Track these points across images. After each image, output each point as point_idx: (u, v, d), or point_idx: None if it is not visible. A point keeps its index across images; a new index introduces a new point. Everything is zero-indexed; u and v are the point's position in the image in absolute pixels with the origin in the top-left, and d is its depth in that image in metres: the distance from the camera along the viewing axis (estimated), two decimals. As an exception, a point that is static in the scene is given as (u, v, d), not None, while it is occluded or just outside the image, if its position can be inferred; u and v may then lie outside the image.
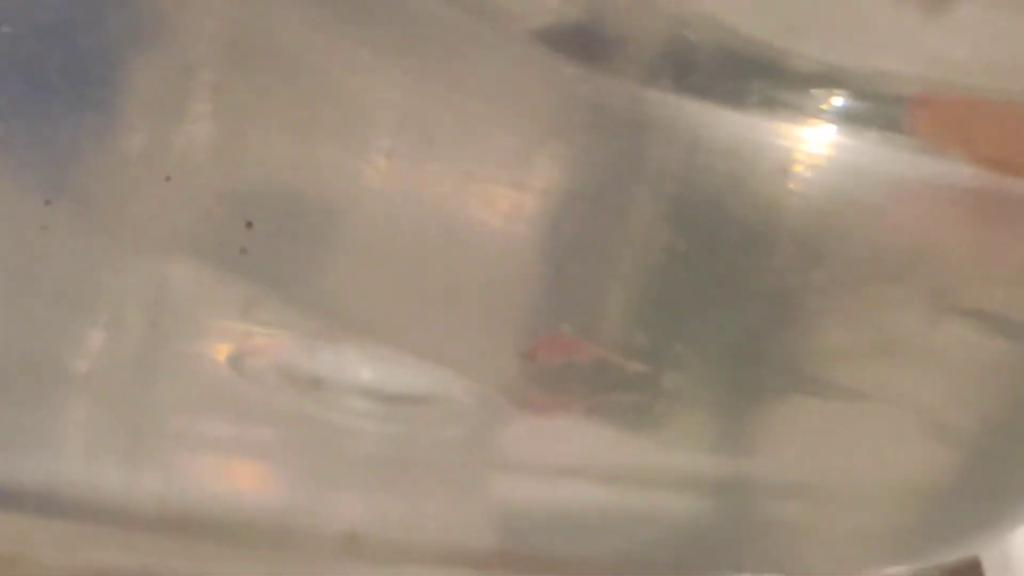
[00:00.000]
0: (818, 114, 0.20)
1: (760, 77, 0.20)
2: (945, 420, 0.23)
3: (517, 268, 0.21)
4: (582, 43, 0.20)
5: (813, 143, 0.20)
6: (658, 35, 0.20)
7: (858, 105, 0.20)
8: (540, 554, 0.24)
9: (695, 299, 0.21)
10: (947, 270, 0.21)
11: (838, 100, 0.20)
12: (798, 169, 0.20)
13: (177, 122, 0.19)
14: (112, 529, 0.22)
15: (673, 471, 0.23)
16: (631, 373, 0.21)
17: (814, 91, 0.20)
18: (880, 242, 0.21)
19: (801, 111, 0.20)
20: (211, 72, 0.19)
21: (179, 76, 0.19)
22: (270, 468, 0.23)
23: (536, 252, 0.21)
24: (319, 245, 0.20)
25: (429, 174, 0.20)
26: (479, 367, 0.21)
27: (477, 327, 0.21)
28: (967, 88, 0.21)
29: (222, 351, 0.21)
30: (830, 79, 0.20)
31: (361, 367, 0.21)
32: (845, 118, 0.20)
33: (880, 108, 0.20)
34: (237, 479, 0.23)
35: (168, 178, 0.19)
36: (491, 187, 0.20)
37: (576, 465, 0.22)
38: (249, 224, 0.20)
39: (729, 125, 0.20)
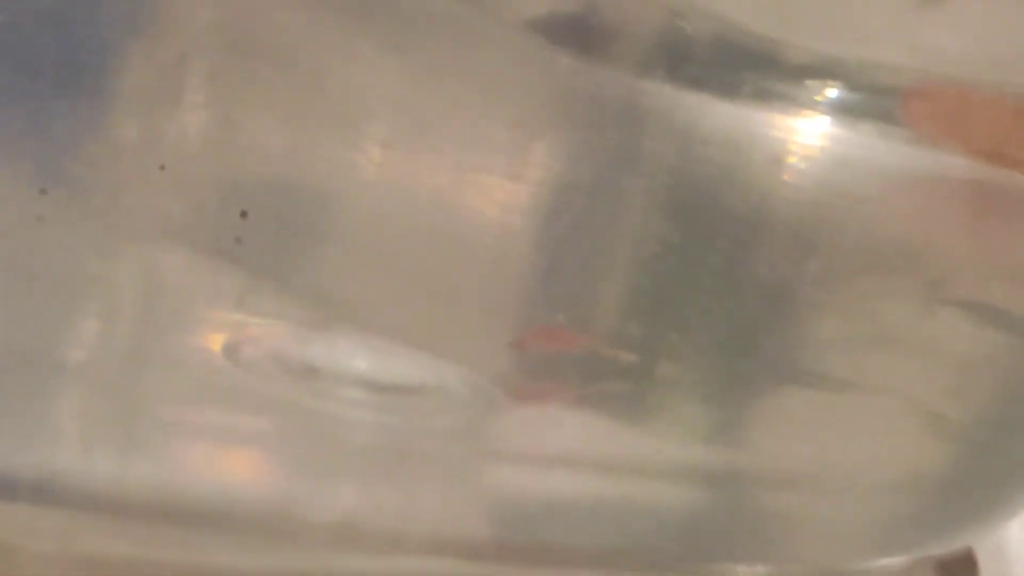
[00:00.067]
0: (813, 105, 0.20)
1: (755, 68, 0.20)
2: (939, 412, 0.23)
3: (512, 258, 0.21)
4: (577, 34, 0.20)
5: (807, 134, 0.20)
6: (653, 26, 0.20)
7: (852, 96, 0.20)
8: (533, 543, 0.24)
9: (689, 290, 0.21)
10: (941, 262, 0.21)
11: (833, 91, 0.20)
12: (792, 160, 0.20)
13: (172, 111, 0.19)
14: (107, 518, 0.22)
15: (666, 462, 0.23)
16: (625, 363, 0.21)
17: (809, 82, 0.20)
18: (874, 234, 0.21)
19: (795, 102, 0.20)
20: (206, 61, 0.19)
21: (174, 65, 0.19)
22: (265, 457, 0.23)
23: (531, 243, 0.21)
24: (314, 235, 0.20)
25: (424, 164, 0.20)
26: (473, 357, 0.22)
27: (471, 317, 0.21)
28: (961, 80, 0.21)
29: (217, 341, 0.21)
30: (825, 70, 0.20)
31: (355, 357, 0.21)
32: (839, 109, 0.20)
33: (874, 100, 0.20)
34: (232, 468, 0.23)
35: (163, 167, 0.19)
36: (486, 178, 0.20)
37: (570, 455, 0.22)
38: (244, 214, 0.20)
39: (724, 116, 0.20)
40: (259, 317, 0.21)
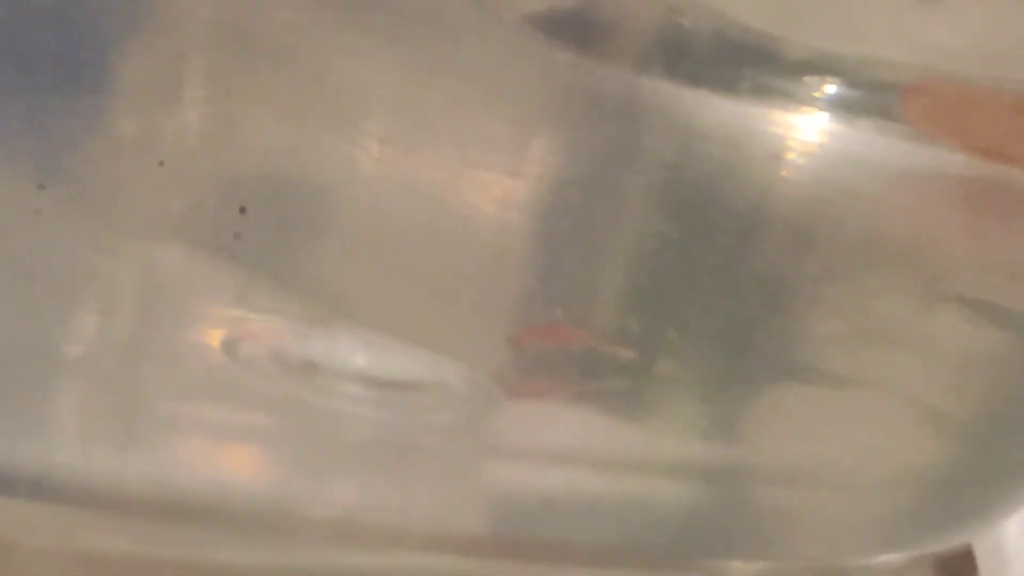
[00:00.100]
0: (811, 102, 0.20)
1: (753, 64, 0.20)
2: (938, 408, 0.23)
3: (510, 255, 0.21)
4: (576, 30, 0.20)
5: (806, 131, 0.20)
6: (652, 22, 0.20)
7: (851, 93, 0.20)
8: (532, 539, 0.24)
9: (688, 286, 0.21)
10: (939, 258, 0.21)
11: (831, 88, 0.20)
12: (791, 157, 0.20)
13: (171, 108, 0.19)
14: (106, 514, 0.22)
15: (665, 458, 0.23)
16: (623, 360, 0.21)
17: (807, 78, 0.20)
18: (873, 230, 0.21)
19: (794, 99, 0.20)
20: (205, 58, 0.19)
21: (173, 62, 0.19)
22: (263, 453, 0.23)
23: (529, 239, 0.21)
24: (313, 231, 0.20)
25: (422, 161, 0.20)
26: (472, 354, 0.22)
27: (470, 314, 0.21)
28: (960, 76, 0.21)
29: (216, 337, 0.21)
30: (823, 67, 0.20)
31: (354, 353, 0.21)
32: (838, 106, 0.20)
33: (873, 96, 0.20)
34: (230, 465, 0.23)
35: (162, 163, 0.19)
36: (484, 174, 0.20)
37: (568, 452, 0.22)
38: (243, 210, 0.20)
39: (722, 112, 0.20)
40: (258, 313, 0.21)
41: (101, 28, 0.19)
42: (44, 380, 0.21)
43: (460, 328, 0.21)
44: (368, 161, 0.20)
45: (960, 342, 0.22)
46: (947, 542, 0.27)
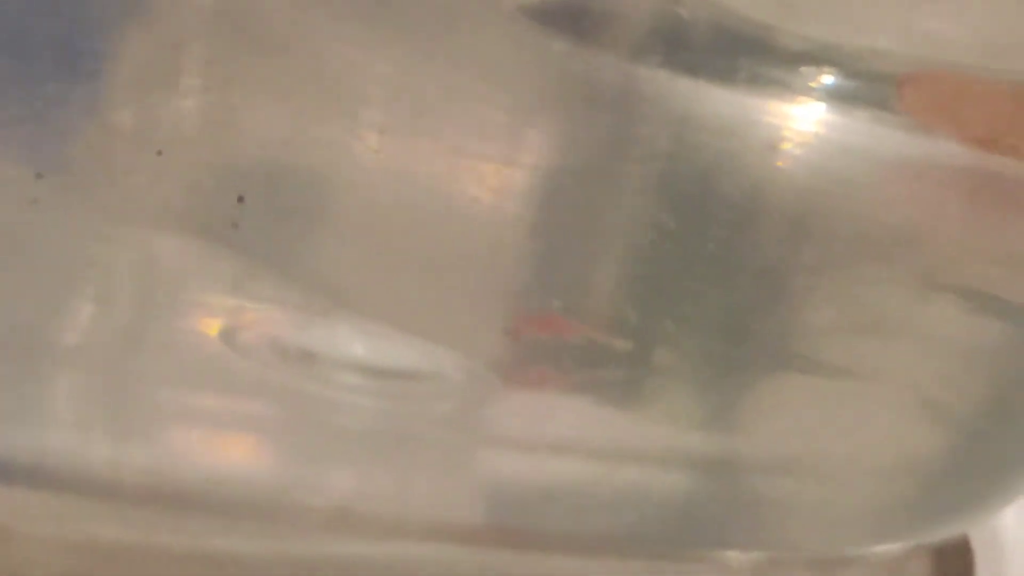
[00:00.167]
0: (808, 92, 0.20)
1: (750, 54, 0.20)
2: (934, 399, 0.23)
3: (507, 245, 0.21)
4: (572, 19, 0.20)
5: (802, 121, 0.20)
6: (648, 11, 0.20)
7: (848, 83, 0.20)
8: (528, 529, 0.24)
9: (684, 276, 0.21)
10: (936, 249, 0.21)
11: (828, 78, 0.20)
12: (787, 147, 0.20)
13: (168, 96, 0.19)
14: (102, 502, 0.22)
15: (661, 448, 0.23)
16: (620, 350, 0.21)
17: (804, 69, 0.20)
18: (869, 220, 0.21)
19: (791, 89, 0.20)
20: (202, 46, 0.19)
21: (170, 50, 0.19)
22: (261, 442, 0.23)
23: (526, 228, 0.21)
24: (310, 220, 0.20)
25: (419, 150, 0.20)
26: (469, 344, 0.22)
27: (467, 303, 0.21)
28: (957, 67, 0.21)
29: (213, 325, 0.21)
30: (820, 57, 0.20)
31: (352, 342, 0.21)
32: (835, 96, 0.20)
33: (869, 86, 0.20)
34: (228, 453, 0.23)
35: (159, 152, 0.19)
36: (481, 163, 0.20)
37: (565, 442, 0.22)
38: (240, 199, 0.20)
39: (719, 102, 0.20)
40: (256, 302, 0.21)
41: (99, 16, 0.19)
42: (41, 368, 0.21)
43: (457, 318, 0.21)
44: (365, 150, 0.20)
45: (956, 332, 0.22)
46: (944, 532, 0.27)
